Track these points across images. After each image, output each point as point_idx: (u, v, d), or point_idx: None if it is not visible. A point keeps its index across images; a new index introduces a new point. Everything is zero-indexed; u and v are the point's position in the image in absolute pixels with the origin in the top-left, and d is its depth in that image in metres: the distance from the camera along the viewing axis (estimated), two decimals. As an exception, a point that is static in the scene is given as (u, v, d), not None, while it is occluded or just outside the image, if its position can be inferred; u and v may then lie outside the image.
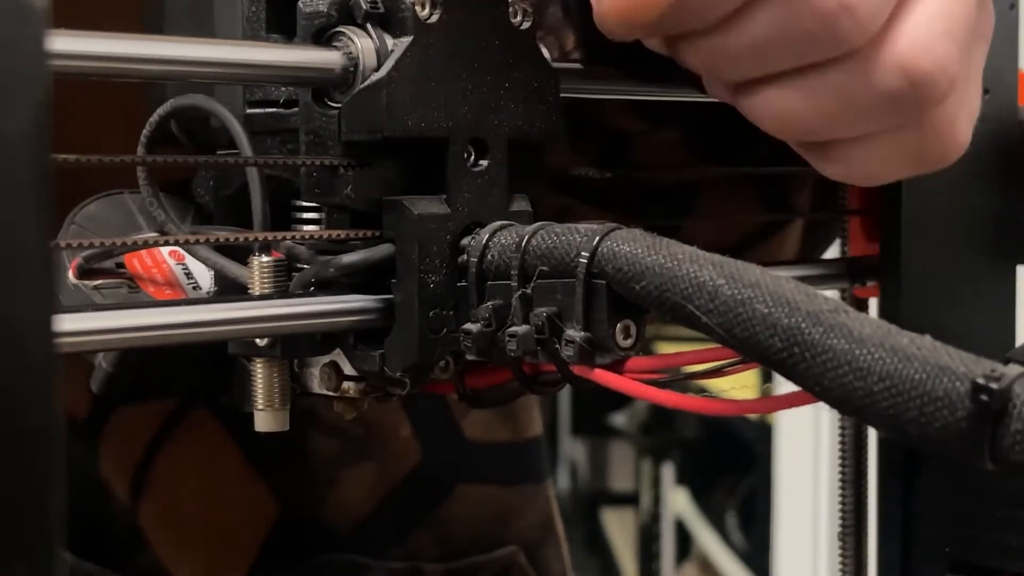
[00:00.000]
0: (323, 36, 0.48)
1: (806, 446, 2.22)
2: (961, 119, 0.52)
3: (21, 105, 0.23)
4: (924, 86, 0.48)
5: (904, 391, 0.37)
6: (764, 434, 2.62)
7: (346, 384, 0.51)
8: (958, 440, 0.36)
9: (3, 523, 0.22)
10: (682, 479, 3.52)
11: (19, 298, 0.23)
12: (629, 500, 3.88)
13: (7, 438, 0.22)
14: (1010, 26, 0.63)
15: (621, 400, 3.82)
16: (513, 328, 0.46)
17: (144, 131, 0.52)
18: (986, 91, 0.60)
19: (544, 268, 0.45)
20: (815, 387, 0.39)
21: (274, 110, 0.51)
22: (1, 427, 0.22)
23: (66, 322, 0.40)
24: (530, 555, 0.81)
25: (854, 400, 0.38)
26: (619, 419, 3.87)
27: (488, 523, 0.80)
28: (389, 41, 0.48)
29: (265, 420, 0.50)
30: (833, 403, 0.39)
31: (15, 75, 0.23)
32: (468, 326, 0.47)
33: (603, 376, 0.45)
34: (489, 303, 0.47)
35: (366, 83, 0.47)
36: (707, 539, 3.25)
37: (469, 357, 0.48)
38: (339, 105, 0.48)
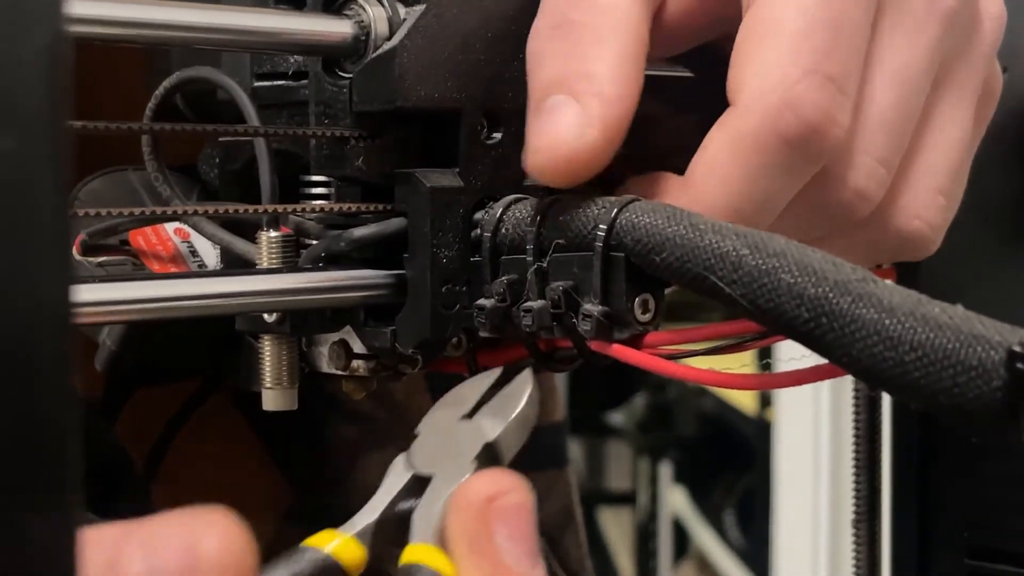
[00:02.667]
0: (334, 4, 0.47)
1: (805, 443, 2.21)
2: (940, 236, 0.54)
3: (40, 69, 0.22)
4: (917, 244, 0.51)
5: (936, 360, 0.36)
6: (762, 432, 2.61)
7: (356, 362, 0.50)
8: (993, 411, 0.35)
9: (21, 484, 0.21)
10: (680, 477, 3.51)
11: (36, 266, 0.22)
12: (626, 499, 3.87)
13: (24, 408, 0.21)
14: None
15: (618, 398, 3.81)
16: (528, 303, 0.45)
17: (150, 104, 0.51)
18: (1004, 69, 0.59)
19: (560, 241, 0.44)
20: (843, 358, 0.38)
21: (282, 82, 0.50)
22: (18, 397, 0.21)
23: (81, 292, 0.39)
24: (551, 541, 0.80)
25: (884, 370, 0.37)
26: (616, 418, 3.86)
27: None
28: (401, 9, 0.47)
29: (273, 399, 0.49)
30: (862, 374, 0.38)
31: (33, 38, 0.22)
32: (482, 301, 0.46)
33: (621, 351, 0.44)
34: (503, 278, 0.46)
35: (378, 52, 0.46)
36: (705, 537, 3.24)
37: (483, 334, 0.47)
38: (350, 75, 0.47)
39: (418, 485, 0.39)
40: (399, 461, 0.41)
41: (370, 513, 0.39)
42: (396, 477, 0.40)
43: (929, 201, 0.51)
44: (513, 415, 0.41)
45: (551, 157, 0.44)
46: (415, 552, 0.37)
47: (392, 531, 0.38)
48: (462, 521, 0.37)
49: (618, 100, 0.45)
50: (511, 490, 0.37)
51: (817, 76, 0.44)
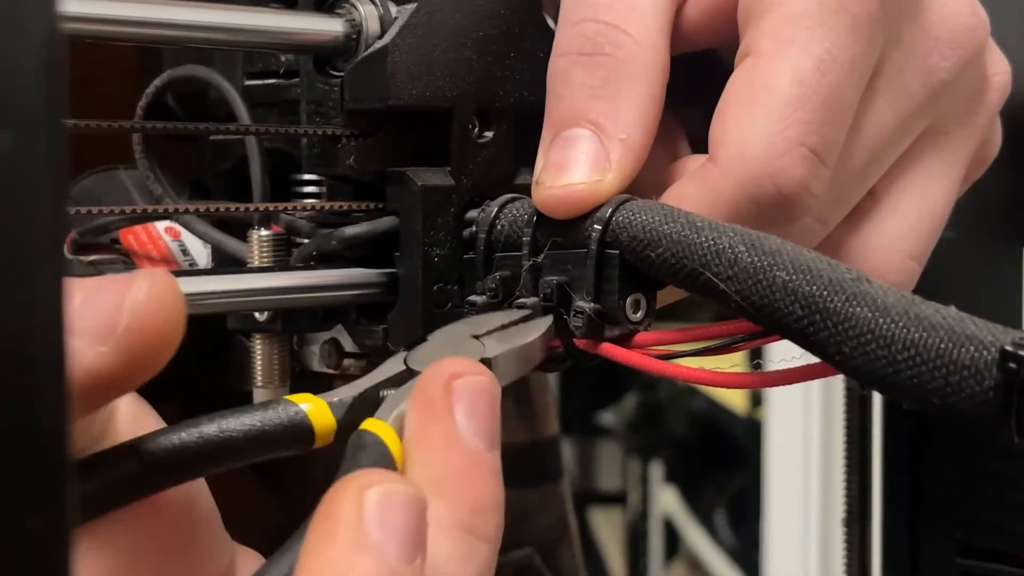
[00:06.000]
0: (325, 2, 0.47)
1: (796, 443, 2.21)
2: None
3: (36, 67, 0.22)
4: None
5: (929, 360, 0.36)
6: (753, 431, 2.61)
7: (347, 361, 0.50)
8: (985, 411, 0.35)
9: (16, 474, 0.21)
10: (670, 477, 3.51)
11: (32, 264, 0.22)
12: (617, 499, 3.87)
13: (19, 405, 0.21)
14: (1021, 2, 0.62)
15: (609, 398, 3.81)
16: (521, 300, 0.45)
17: (140, 102, 0.51)
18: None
19: (557, 239, 0.44)
20: (836, 356, 0.38)
21: (273, 81, 0.50)
22: (13, 395, 0.21)
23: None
24: (545, 555, 0.79)
25: (877, 370, 0.37)
26: (607, 417, 3.86)
27: (505, 526, 0.77)
28: (393, 8, 0.47)
29: (264, 398, 0.49)
30: (854, 373, 0.38)
31: (29, 37, 0.22)
32: (473, 298, 0.46)
33: (610, 350, 0.44)
34: (497, 274, 0.46)
35: (369, 51, 0.46)
36: (696, 537, 3.24)
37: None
38: (342, 74, 0.47)
39: (406, 378, 0.40)
40: (399, 355, 0.41)
41: (352, 389, 0.39)
42: (389, 366, 0.40)
43: (900, 266, 0.50)
44: (518, 344, 0.42)
45: (563, 194, 0.44)
46: (369, 423, 0.37)
47: (367, 410, 0.38)
48: (423, 392, 0.37)
49: (639, 146, 0.45)
50: (478, 374, 0.37)
51: (801, 150, 0.44)
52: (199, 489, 0.38)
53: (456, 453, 0.36)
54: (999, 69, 0.53)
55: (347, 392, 0.39)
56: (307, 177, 0.50)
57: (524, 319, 0.43)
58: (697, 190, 0.45)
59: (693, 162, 0.49)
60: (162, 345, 0.33)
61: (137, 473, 0.35)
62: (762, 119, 0.44)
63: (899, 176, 0.50)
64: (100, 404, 0.34)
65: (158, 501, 0.36)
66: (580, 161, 0.44)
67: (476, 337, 0.42)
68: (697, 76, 0.49)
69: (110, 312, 0.32)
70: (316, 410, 0.37)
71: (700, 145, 0.50)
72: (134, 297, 0.32)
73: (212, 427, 0.36)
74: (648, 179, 0.46)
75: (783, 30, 0.45)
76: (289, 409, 0.37)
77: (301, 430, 0.37)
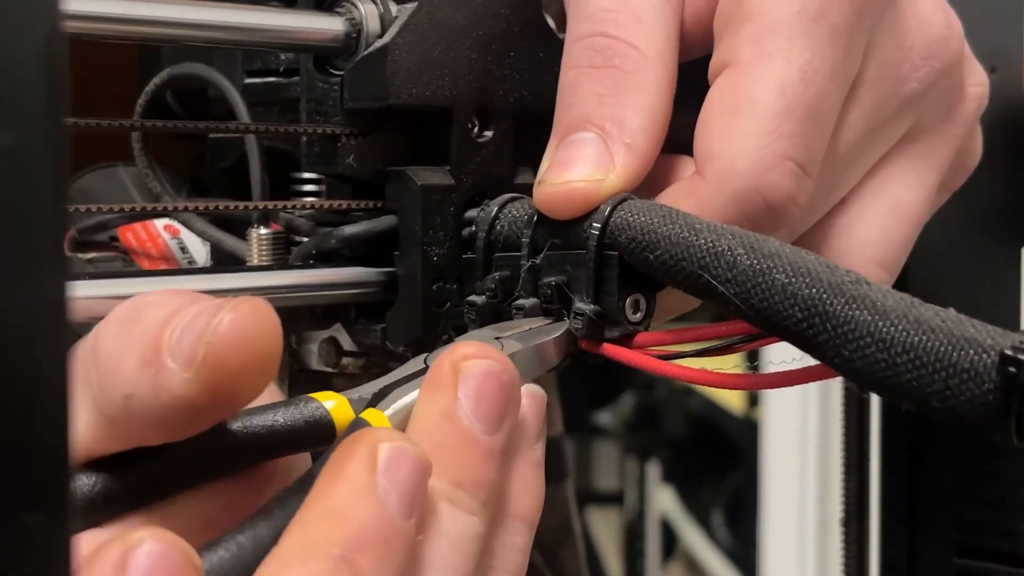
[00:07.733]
0: (326, 1, 0.47)
1: (793, 442, 2.21)
2: None
3: (37, 65, 0.22)
4: None
5: (929, 363, 0.35)
6: (750, 431, 2.61)
7: (345, 360, 0.50)
8: (984, 414, 0.35)
9: (16, 472, 0.21)
10: (668, 477, 3.51)
11: (34, 261, 0.21)
12: (614, 499, 3.87)
13: (21, 402, 0.21)
14: (1017, 3, 0.62)
15: (606, 398, 3.81)
16: (520, 300, 0.45)
17: (139, 100, 0.51)
18: (992, 69, 0.59)
19: (556, 240, 0.44)
20: (835, 359, 0.37)
21: (273, 79, 0.50)
22: (16, 391, 0.21)
23: (74, 289, 0.39)
24: (547, 556, 0.79)
25: (876, 372, 0.37)
26: (604, 417, 3.86)
27: None
28: (393, 7, 0.47)
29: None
30: (854, 376, 0.38)
31: (31, 35, 0.22)
32: (472, 298, 0.46)
33: (611, 350, 0.44)
34: (496, 274, 0.45)
35: (369, 50, 0.46)
36: (693, 537, 3.24)
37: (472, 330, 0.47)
38: (341, 72, 0.47)
39: (422, 374, 0.40)
40: (422, 355, 0.41)
41: (372, 386, 0.40)
42: (410, 364, 0.41)
43: (866, 272, 0.50)
44: (535, 343, 0.42)
45: (564, 191, 0.44)
46: (366, 413, 0.38)
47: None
48: (434, 371, 0.37)
49: (644, 152, 0.45)
50: (489, 358, 0.37)
51: (788, 164, 0.44)
52: (300, 464, 0.39)
53: (448, 431, 0.36)
54: (976, 80, 0.53)
55: (367, 389, 0.39)
56: (306, 176, 0.50)
57: (546, 324, 0.44)
58: (687, 202, 0.45)
59: (685, 162, 0.49)
60: (246, 378, 0.32)
61: (162, 470, 0.35)
62: (748, 132, 0.44)
63: (869, 182, 0.50)
64: (187, 431, 0.34)
65: (247, 476, 0.36)
66: (583, 161, 0.44)
67: (497, 339, 0.42)
68: (683, 81, 0.49)
69: (195, 339, 0.32)
70: (338, 408, 0.38)
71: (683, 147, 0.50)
72: (213, 328, 0.32)
73: (236, 424, 0.36)
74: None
75: (763, 40, 0.45)
76: (311, 406, 0.37)
77: (323, 427, 0.38)
